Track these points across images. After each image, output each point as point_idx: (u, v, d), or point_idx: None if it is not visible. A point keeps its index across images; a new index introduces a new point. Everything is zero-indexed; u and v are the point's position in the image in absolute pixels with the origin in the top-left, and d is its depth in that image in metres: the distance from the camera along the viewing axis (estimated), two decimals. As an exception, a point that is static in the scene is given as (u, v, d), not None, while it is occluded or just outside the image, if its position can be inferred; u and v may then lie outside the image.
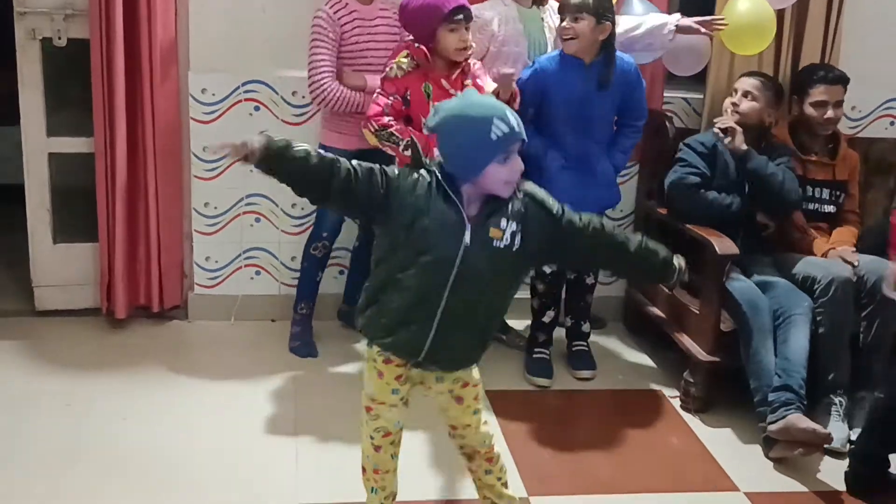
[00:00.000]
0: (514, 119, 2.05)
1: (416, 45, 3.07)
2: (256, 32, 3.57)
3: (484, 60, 3.32)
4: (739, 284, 3.26)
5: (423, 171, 2.11)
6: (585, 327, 3.67)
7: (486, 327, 2.25)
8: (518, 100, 3.18)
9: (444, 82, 3.10)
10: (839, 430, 3.13)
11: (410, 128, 3.11)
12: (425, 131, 2.16)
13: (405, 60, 3.10)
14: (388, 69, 3.13)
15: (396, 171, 2.12)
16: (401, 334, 2.14)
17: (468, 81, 3.16)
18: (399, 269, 2.11)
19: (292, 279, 3.83)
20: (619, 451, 3.08)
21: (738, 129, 3.40)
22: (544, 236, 2.15)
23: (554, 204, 2.18)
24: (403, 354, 2.20)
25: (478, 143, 2.02)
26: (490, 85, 3.17)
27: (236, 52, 3.58)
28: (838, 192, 3.64)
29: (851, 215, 3.68)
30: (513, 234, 2.10)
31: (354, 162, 2.09)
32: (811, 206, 3.61)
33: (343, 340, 3.69)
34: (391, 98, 3.09)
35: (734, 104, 3.47)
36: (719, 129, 3.43)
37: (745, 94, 3.47)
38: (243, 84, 3.61)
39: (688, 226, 3.40)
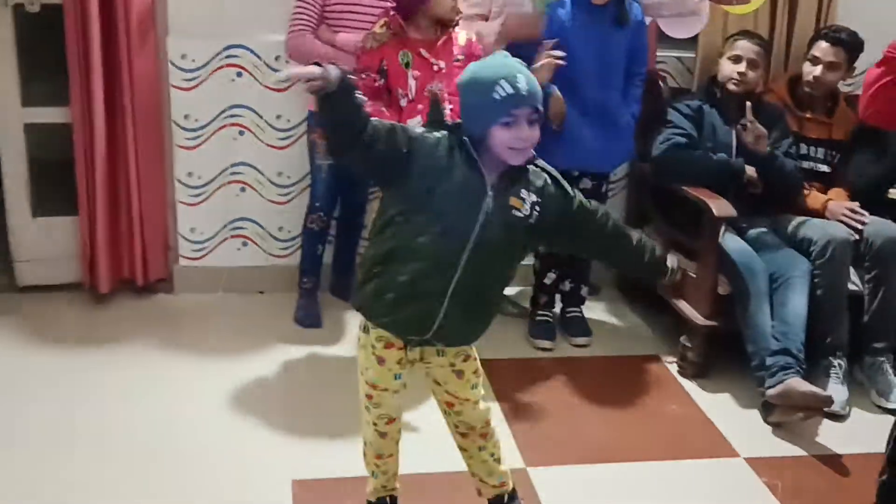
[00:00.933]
0: (525, 83, 1.93)
1: (392, 12, 2.99)
2: (237, -5, 3.46)
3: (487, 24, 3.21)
4: (735, 247, 3.20)
5: (443, 132, 2.01)
6: (584, 292, 3.62)
7: (495, 298, 2.16)
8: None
9: (423, 51, 3.00)
10: (839, 393, 3.10)
11: (385, 108, 3.00)
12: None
13: (381, 30, 3.00)
14: (363, 39, 3.05)
15: (418, 131, 2.01)
16: (408, 310, 2.01)
17: (460, 56, 3.06)
18: (412, 235, 1.98)
19: (280, 250, 3.76)
20: (617, 418, 3.04)
21: (764, 133, 3.29)
22: (558, 215, 2.08)
23: (567, 185, 2.11)
24: (411, 332, 2.07)
25: (481, 103, 1.95)
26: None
27: (217, 16, 3.46)
28: (833, 152, 3.58)
29: (843, 177, 3.60)
30: (532, 206, 2.02)
31: (374, 119, 1.98)
32: (805, 165, 3.54)
33: (342, 312, 3.60)
34: (363, 75, 3.00)
35: (741, 73, 3.37)
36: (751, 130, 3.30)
37: (751, 63, 3.38)
38: (225, 49, 3.49)
39: (683, 187, 3.33)
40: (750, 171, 3.34)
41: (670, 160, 3.37)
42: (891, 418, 3.05)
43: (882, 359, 3.23)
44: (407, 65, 3.00)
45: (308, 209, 3.49)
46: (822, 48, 3.47)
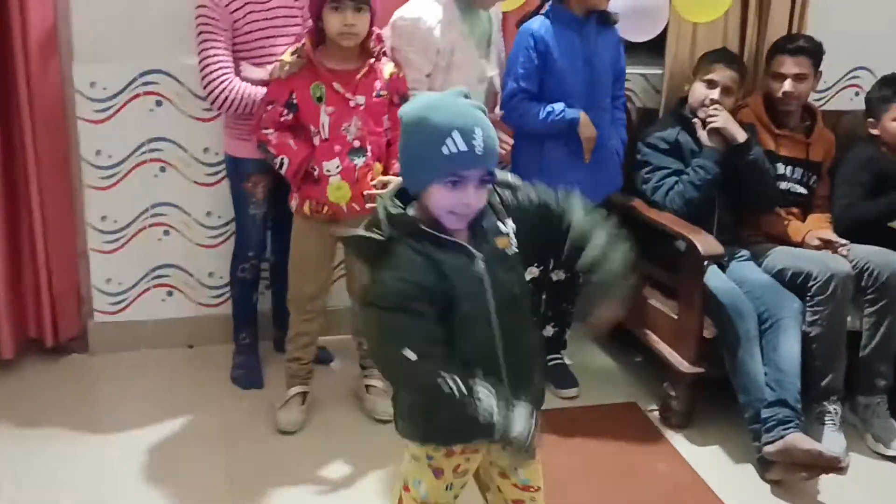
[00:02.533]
0: (481, 138, 1.60)
1: (303, 42, 2.64)
2: (154, 13, 3.04)
3: (432, 76, 2.85)
4: (721, 286, 2.92)
5: (396, 238, 1.65)
6: (566, 336, 3.34)
7: (535, 339, 1.89)
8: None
9: (336, 85, 2.64)
10: (837, 442, 2.86)
11: (292, 141, 2.67)
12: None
13: (290, 58, 2.64)
14: (271, 67, 2.68)
15: (404, 282, 1.62)
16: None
17: (382, 91, 2.72)
18: (451, 337, 1.68)
19: (211, 298, 3.37)
20: (603, 480, 2.72)
21: (731, 120, 3.08)
22: (531, 226, 1.78)
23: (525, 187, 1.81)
24: (485, 430, 1.66)
25: (426, 154, 1.61)
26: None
27: (130, 37, 3.06)
28: (811, 174, 3.34)
29: (823, 201, 3.37)
30: (514, 233, 1.73)
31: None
32: (783, 186, 3.29)
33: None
34: (270, 106, 2.65)
35: (714, 100, 3.12)
36: (712, 127, 3.10)
37: (725, 90, 3.14)
38: (141, 75, 3.10)
39: (662, 221, 3.04)
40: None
41: (688, 212, 3.08)
42: (891, 466, 2.86)
43: (878, 399, 2.99)
44: (319, 99, 2.64)
45: (237, 258, 3.12)
46: (785, 62, 3.24)
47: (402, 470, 1.89)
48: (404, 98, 2.77)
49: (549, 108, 2.95)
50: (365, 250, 1.69)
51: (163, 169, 3.20)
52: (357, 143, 2.69)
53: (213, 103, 2.81)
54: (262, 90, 2.77)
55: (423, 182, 1.64)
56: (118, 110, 3.10)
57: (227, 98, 2.77)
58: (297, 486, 2.59)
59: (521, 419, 1.63)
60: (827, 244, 3.10)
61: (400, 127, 1.68)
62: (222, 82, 2.76)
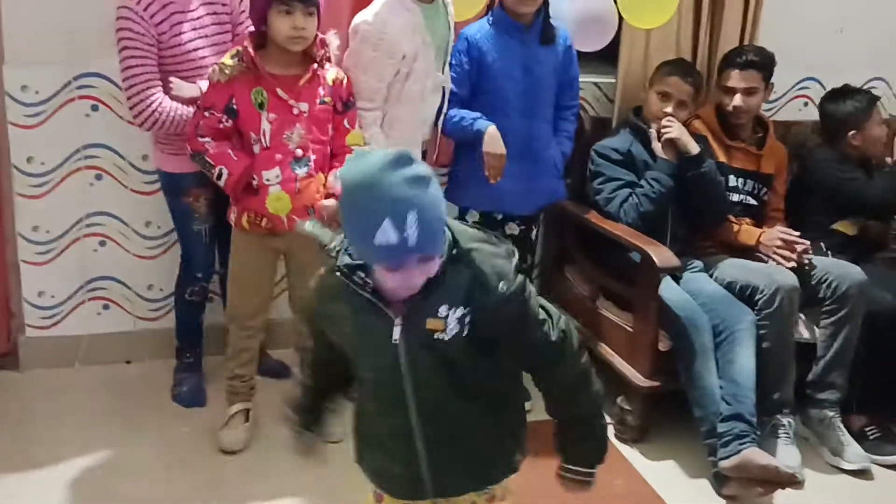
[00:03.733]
0: (416, 228, 1.40)
1: (245, 45, 2.52)
2: (89, 14, 2.87)
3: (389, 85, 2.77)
4: (676, 298, 2.88)
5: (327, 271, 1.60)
6: None
7: (486, 432, 1.69)
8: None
9: (280, 91, 2.54)
10: (791, 456, 2.83)
11: (231, 151, 2.54)
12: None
13: (231, 62, 2.52)
14: (209, 71, 2.56)
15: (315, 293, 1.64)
16: (395, 474, 1.71)
17: (326, 98, 2.62)
18: (364, 398, 1.70)
19: (150, 311, 3.23)
20: (556, 497, 2.63)
21: (685, 132, 3.06)
22: (501, 321, 1.58)
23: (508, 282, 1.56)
24: (411, 496, 1.72)
25: (358, 237, 1.48)
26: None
27: (65, 39, 2.91)
28: (762, 186, 3.32)
29: (776, 213, 3.37)
30: (460, 321, 1.54)
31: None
32: (734, 198, 3.26)
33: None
34: (207, 113, 2.53)
35: (667, 114, 3.08)
36: (667, 139, 3.07)
37: (679, 104, 3.11)
38: (76, 78, 2.96)
39: (616, 232, 2.99)
40: None
41: (642, 225, 3.02)
42: (847, 479, 2.84)
43: (832, 413, 2.97)
44: (261, 105, 2.53)
45: (183, 279, 2.98)
46: (735, 76, 3.22)
47: None
48: (347, 104, 2.69)
49: (462, 115, 2.89)
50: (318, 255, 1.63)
51: (98, 177, 3.05)
52: (300, 152, 2.58)
53: (141, 124, 2.66)
54: (191, 110, 2.65)
55: (364, 259, 1.51)
56: (51, 115, 2.95)
57: (156, 120, 2.63)
58: (241, 510, 2.47)
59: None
60: (788, 244, 3.08)
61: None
62: (150, 103, 2.62)
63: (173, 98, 2.66)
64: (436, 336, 1.54)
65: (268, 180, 2.56)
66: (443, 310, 1.53)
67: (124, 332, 3.22)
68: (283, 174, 2.56)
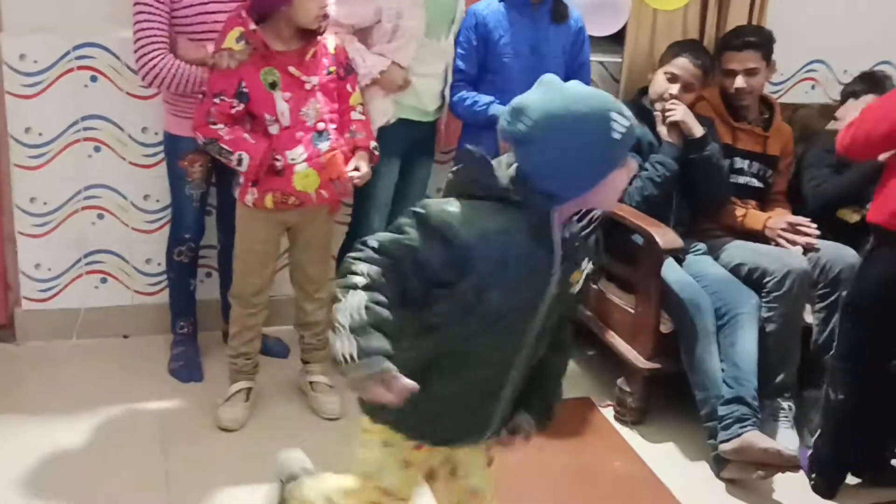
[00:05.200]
0: (625, 107, 1.56)
1: (252, 28, 2.46)
2: (88, -17, 2.84)
3: (371, 40, 2.75)
4: (679, 280, 2.86)
5: (505, 211, 1.51)
6: None
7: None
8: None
9: (293, 69, 2.51)
10: (791, 439, 2.83)
11: (247, 135, 2.51)
12: (502, 138, 1.54)
13: (239, 46, 2.47)
14: (216, 58, 2.51)
15: (471, 233, 1.47)
16: (457, 419, 1.65)
17: (332, 68, 2.60)
18: (459, 340, 1.55)
19: (148, 286, 3.20)
20: (558, 483, 2.64)
21: (689, 114, 3.02)
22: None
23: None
24: (462, 439, 1.70)
25: (598, 146, 1.49)
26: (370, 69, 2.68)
27: (64, 8, 2.86)
28: (768, 168, 3.30)
29: (780, 196, 3.35)
30: (585, 276, 1.61)
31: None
32: (740, 180, 3.24)
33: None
34: (217, 99, 2.49)
35: (673, 95, 3.05)
36: (671, 121, 3.04)
37: (686, 87, 3.07)
38: (75, 48, 2.91)
39: (620, 213, 2.96)
40: None
41: (647, 208, 2.99)
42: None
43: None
44: (273, 85, 2.50)
45: (173, 241, 2.97)
46: (734, 58, 3.19)
47: (360, 457, 1.73)
48: (348, 69, 2.67)
49: (475, 98, 2.87)
50: (470, 182, 1.54)
51: (97, 149, 3.01)
52: (321, 126, 2.55)
53: (144, 79, 2.67)
54: (197, 70, 2.63)
55: (600, 176, 1.51)
56: (49, 85, 2.91)
57: (157, 75, 2.62)
58: (238, 486, 2.45)
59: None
60: (795, 229, 3.06)
61: (525, 146, 1.50)
62: (154, 58, 2.61)
63: (179, 57, 2.65)
64: (571, 289, 1.58)
65: (293, 160, 2.52)
66: (584, 262, 1.59)
67: (122, 306, 3.19)
68: (307, 151, 2.53)
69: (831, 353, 2.77)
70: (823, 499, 2.67)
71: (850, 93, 3.35)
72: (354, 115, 2.68)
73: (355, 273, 1.47)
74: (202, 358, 3.06)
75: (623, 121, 1.51)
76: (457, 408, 1.62)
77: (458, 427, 1.67)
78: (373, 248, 1.50)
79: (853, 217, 3.26)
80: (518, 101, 1.52)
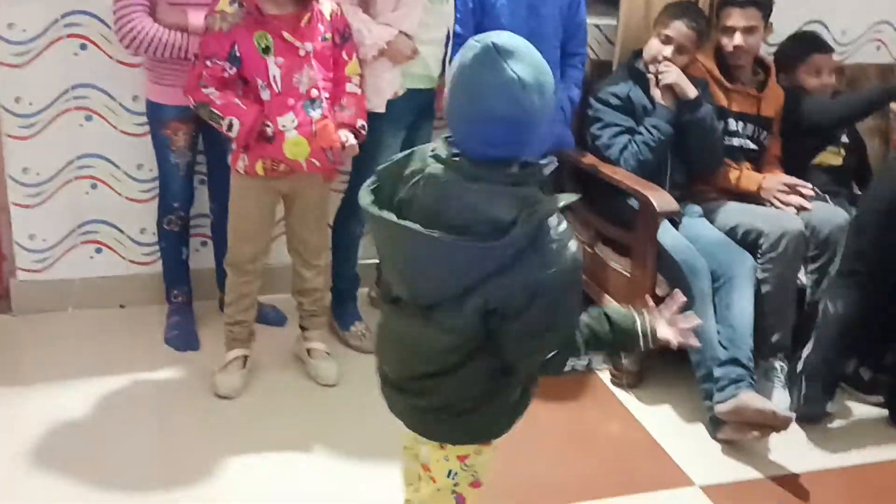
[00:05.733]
0: None
1: None
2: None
3: (375, 9, 2.71)
4: (675, 243, 2.85)
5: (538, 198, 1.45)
6: None
7: None
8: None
9: (287, 35, 2.47)
10: (784, 400, 2.83)
11: (238, 100, 2.48)
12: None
13: (231, 9, 2.44)
14: (209, 20, 2.47)
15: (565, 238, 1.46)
16: None
17: (327, 34, 2.56)
18: None
19: (143, 256, 3.19)
20: (555, 447, 2.66)
21: (682, 77, 3.00)
22: None
23: None
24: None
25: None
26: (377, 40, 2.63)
27: (51, -25, 2.81)
28: (762, 130, 3.28)
29: (774, 159, 3.33)
30: None
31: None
32: (734, 142, 3.23)
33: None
34: (209, 62, 2.45)
35: (666, 58, 3.02)
36: (665, 84, 3.01)
37: (680, 49, 3.04)
38: (63, 16, 2.87)
39: (615, 177, 2.95)
40: None
41: (642, 173, 2.98)
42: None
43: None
44: (266, 50, 2.46)
45: (162, 209, 2.95)
46: (735, 14, 3.16)
47: (465, 470, 1.67)
48: (345, 37, 2.63)
49: None
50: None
51: (88, 118, 2.98)
52: (315, 93, 2.52)
53: (122, 42, 2.65)
54: (177, 35, 2.61)
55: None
56: (39, 54, 2.87)
57: (135, 38, 2.60)
58: (236, 455, 2.46)
59: None
60: (790, 189, 3.05)
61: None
62: (132, 21, 2.59)
63: (157, 21, 2.62)
64: None
65: (283, 126, 2.49)
66: None
67: (117, 276, 3.18)
68: (298, 118, 2.49)
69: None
70: (810, 420, 2.77)
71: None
72: (349, 87, 2.63)
73: None
74: (198, 327, 3.05)
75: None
76: None
77: None
78: None
79: (836, 159, 3.28)
80: (521, 76, 1.39)
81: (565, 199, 1.47)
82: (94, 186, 3.06)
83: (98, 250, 3.14)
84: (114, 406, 2.66)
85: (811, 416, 2.79)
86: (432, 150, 1.47)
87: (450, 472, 1.65)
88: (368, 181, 1.52)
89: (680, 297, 1.71)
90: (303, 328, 2.90)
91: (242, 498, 2.30)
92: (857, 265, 2.81)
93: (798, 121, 3.28)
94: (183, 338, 2.99)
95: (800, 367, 2.82)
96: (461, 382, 1.55)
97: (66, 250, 3.11)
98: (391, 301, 1.57)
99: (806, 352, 2.83)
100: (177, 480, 2.34)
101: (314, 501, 2.31)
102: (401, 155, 1.53)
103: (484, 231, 1.39)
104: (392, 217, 1.44)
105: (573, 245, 1.45)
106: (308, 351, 2.87)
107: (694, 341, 1.68)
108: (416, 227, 1.40)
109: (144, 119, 2.99)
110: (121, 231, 3.14)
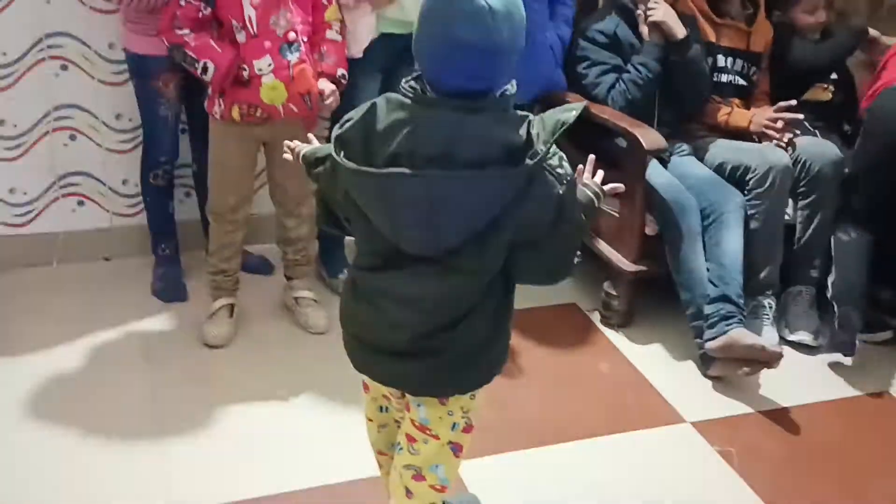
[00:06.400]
0: None
1: None
2: None
3: None
4: (663, 181, 2.83)
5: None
6: None
7: None
8: None
9: None
10: (772, 336, 2.84)
11: (214, 42, 2.41)
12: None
13: None
14: None
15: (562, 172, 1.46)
16: None
17: None
18: None
19: (127, 207, 3.15)
20: (545, 387, 2.66)
21: (672, 13, 2.94)
22: None
23: None
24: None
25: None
26: None
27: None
28: (751, 65, 3.24)
29: (764, 95, 3.30)
30: None
31: None
32: (723, 79, 3.19)
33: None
34: (183, 1, 2.38)
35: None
36: (651, 22, 2.95)
37: None
38: (32, -38, 2.78)
39: (603, 116, 2.91)
40: None
41: (630, 111, 2.94)
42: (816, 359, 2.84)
43: (803, 288, 2.97)
44: None
45: (148, 164, 2.89)
46: None
47: (463, 417, 1.65)
48: None
49: None
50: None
51: (64, 67, 2.91)
52: (292, 36, 2.45)
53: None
54: None
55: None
56: (10, 2, 2.78)
57: None
58: (227, 404, 2.45)
59: None
60: (779, 119, 3.01)
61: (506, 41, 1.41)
62: None
63: None
64: None
65: (260, 70, 2.42)
66: None
67: (101, 229, 3.13)
68: (274, 62, 2.43)
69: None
70: (845, 347, 2.77)
71: None
72: (329, 34, 2.56)
73: None
74: (186, 278, 3.03)
75: None
76: None
77: None
78: None
79: (825, 95, 3.26)
80: (491, 5, 1.36)
81: (575, 108, 1.48)
82: (72, 138, 3.00)
83: (80, 203, 3.10)
84: (102, 359, 2.64)
85: (845, 341, 2.77)
86: (411, 97, 1.42)
87: (454, 425, 1.64)
88: (334, 151, 1.46)
89: (592, 158, 1.73)
90: (288, 277, 2.88)
91: (234, 446, 2.30)
92: (866, 201, 2.84)
93: (791, 65, 3.24)
94: (170, 289, 2.96)
95: (829, 293, 2.82)
96: (475, 323, 1.53)
97: (47, 203, 3.06)
98: (385, 266, 1.52)
99: (831, 278, 2.84)
100: (167, 431, 2.33)
101: (306, 448, 2.31)
102: (357, 113, 1.46)
103: (500, 158, 1.38)
104: (404, 170, 1.39)
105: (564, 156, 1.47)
106: (296, 300, 2.85)
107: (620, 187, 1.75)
108: (439, 172, 1.38)
109: (122, 67, 2.92)
110: (103, 183, 3.09)
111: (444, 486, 1.68)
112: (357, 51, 2.69)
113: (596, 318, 3.02)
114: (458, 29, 1.36)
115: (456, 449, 1.66)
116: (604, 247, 2.97)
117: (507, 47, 1.39)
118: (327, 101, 2.52)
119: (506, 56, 1.40)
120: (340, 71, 2.58)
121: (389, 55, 2.79)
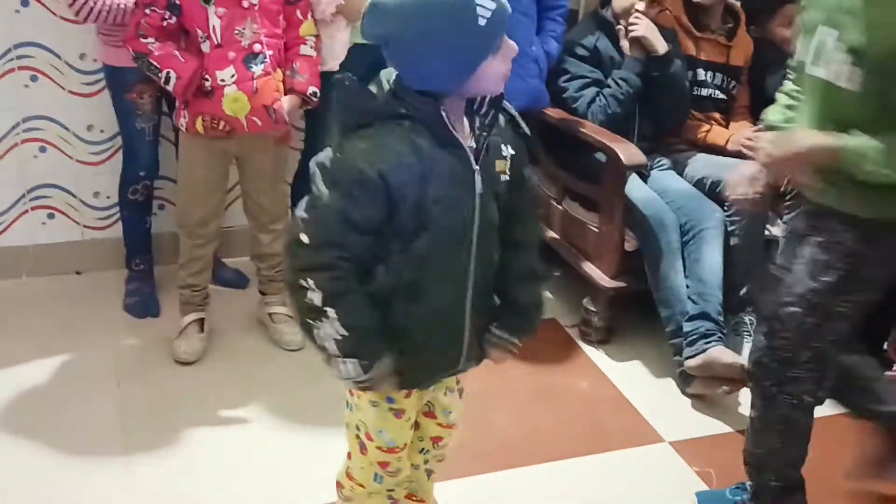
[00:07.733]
0: None
1: None
2: None
3: None
4: (643, 196, 2.80)
5: (393, 121, 1.44)
6: None
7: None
8: None
9: None
10: (752, 355, 2.81)
11: (177, 52, 2.37)
12: (365, 37, 1.47)
13: None
14: None
15: (383, 161, 1.41)
16: (432, 351, 1.57)
17: None
18: (411, 270, 1.48)
19: (98, 220, 3.10)
20: (523, 405, 2.62)
21: (653, 28, 2.92)
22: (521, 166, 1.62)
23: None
24: (442, 373, 1.65)
25: (463, 35, 1.39)
26: None
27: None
28: (731, 80, 3.22)
29: (744, 109, 3.28)
30: (508, 161, 1.57)
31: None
32: (703, 93, 3.17)
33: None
34: (148, 10, 2.34)
35: (639, 11, 2.93)
36: (633, 37, 2.93)
37: (653, 1, 2.97)
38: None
39: (582, 130, 2.88)
40: None
41: (610, 126, 2.91)
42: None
43: None
44: (207, 0, 2.36)
45: (126, 179, 2.83)
46: None
47: (354, 420, 1.69)
48: None
49: None
50: (351, 111, 1.48)
51: (34, 78, 2.86)
52: (257, 48, 2.41)
53: (77, 15, 2.48)
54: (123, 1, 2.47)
55: (472, 68, 1.42)
56: (-19, 9, 2.74)
57: (91, 9, 2.45)
58: (197, 422, 2.40)
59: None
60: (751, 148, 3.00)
61: (390, 47, 1.44)
62: None
63: None
64: (499, 180, 1.54)
65: (222, 81, 2.39)
66: (504, 149, 1.54)
67: (72, 242, 3.08)
68: (238, 73, 2.39)
69: None
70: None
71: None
72: (304, 50, 2.52)
73: (306, 289, 1.41)
74: (159, 293, 2.97)
75: (488, 4, 1.39)
76: (431, 339, 1.55)
77: (436, 361, 1.61)
78: (307, 246, 1.42)
79: None
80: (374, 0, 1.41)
81: None
82: (42, 150, 2.95)
83: (50, 216, 3.04)
84: (72, 374, 2.58)
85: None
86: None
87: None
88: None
89: None
90: (262, 293, 2.83)
91: (204, 465, 2.24)
92: None
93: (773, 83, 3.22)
94: (142, 304, 2.91)
95: None
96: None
97: (17, 216, 3.01)
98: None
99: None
100: (136, 448, 2.28)
101: (278, 467, 2.26)
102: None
103: None
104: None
105: None
106: (270, 315, 2.80)
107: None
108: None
109: (93, 78, 2.88)
110: (73, 195, 3.04)
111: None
112: (334, 65, 2.65)
113: (575, 333, 2.99)
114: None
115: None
116: (583, 262, 2.94)
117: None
118: (277, 115, 2.47)
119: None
120: (312, 89, 2.53)
121: (364, 66, 2.75)
